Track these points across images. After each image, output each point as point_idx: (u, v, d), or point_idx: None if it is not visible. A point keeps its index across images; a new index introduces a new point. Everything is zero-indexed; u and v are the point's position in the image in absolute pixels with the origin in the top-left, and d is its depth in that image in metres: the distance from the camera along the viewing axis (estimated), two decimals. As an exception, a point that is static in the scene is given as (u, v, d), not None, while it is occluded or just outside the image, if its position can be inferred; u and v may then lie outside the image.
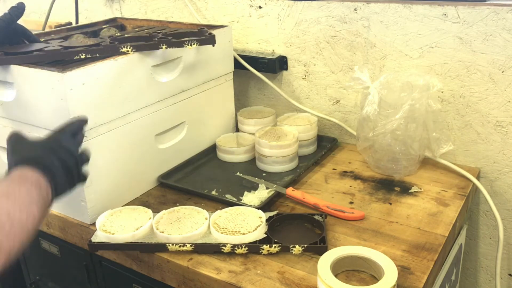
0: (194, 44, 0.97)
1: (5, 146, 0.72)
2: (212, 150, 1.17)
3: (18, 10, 0.93)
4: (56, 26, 1.48)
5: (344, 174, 1.07)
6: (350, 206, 0.95)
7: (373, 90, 1.00)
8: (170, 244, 0.82)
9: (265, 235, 0.84)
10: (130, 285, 0.97)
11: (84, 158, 0.77)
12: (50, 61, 0.91)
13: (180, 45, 0.96)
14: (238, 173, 1.05)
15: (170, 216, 0.89)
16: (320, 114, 1.22)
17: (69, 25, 1.34)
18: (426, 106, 0.98)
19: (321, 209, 0.92)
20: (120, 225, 0.87)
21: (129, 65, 0.92)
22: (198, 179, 1.06)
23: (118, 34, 1.15)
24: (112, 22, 1.30)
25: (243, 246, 0.81)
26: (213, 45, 1.00)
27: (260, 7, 1.24)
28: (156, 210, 0.91)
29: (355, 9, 1.11)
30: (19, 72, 0.86)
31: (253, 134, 1.13)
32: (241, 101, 1.36)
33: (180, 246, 0.82)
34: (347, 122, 1.21)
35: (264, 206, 0.93)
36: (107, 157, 0.92)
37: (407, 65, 1.09)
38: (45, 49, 0.91)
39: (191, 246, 0.82)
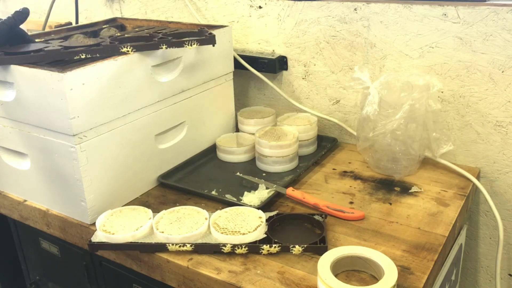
0: (194, 44, 0.97)
1: (5, 146, 0.72)
2: (212, 150, 1.17)
3: (22, 15, 0.92)
4: (56, 26, 1.48)
5: (344, 174, 1.07)
6: (350, 206, 0.95)
7: (373, 90, 1.00)
8: (170, 244, 0.82)
9: (265, 235, 0.84)
10: (130, 285, 0.97)
11: None
12: (50, 61, 0.91)
13: (180, 45, 0.96)
14: (238, 173, 1.05)
15: (170, 216, 0.89)
16: (320, 114, 1.22)
17: (69, 25, 1.34)
18: (426, 106, 0.98)
19: (321, 209, 0.92)
20: (120, 225, 0.87)
21: (129, 65, 0.92)
22: (198, 179, 1.06)
23: (118, 34, 1.15)
24: (112, 22, 1.30)
25: (243, 246, 0.81)
26: (213, 45, 1.00)
27: (260, 7, 1.24)
28: (156, 210, 0.91)
29: (355, 9, 1.11)
30: (19, 72, 0.86)
31: (253, 134, 1.13)
32: (241, 101, 1.36)
33: (180, 246, 0.82)
34: (347, 122, 1.21)
35: (264, 206, 0.93)
36: (107, 157, 0.92)
37: (407, 65, 1.09)
38: (45, 49, 0.91)
39: (191, 246, 0.82)
